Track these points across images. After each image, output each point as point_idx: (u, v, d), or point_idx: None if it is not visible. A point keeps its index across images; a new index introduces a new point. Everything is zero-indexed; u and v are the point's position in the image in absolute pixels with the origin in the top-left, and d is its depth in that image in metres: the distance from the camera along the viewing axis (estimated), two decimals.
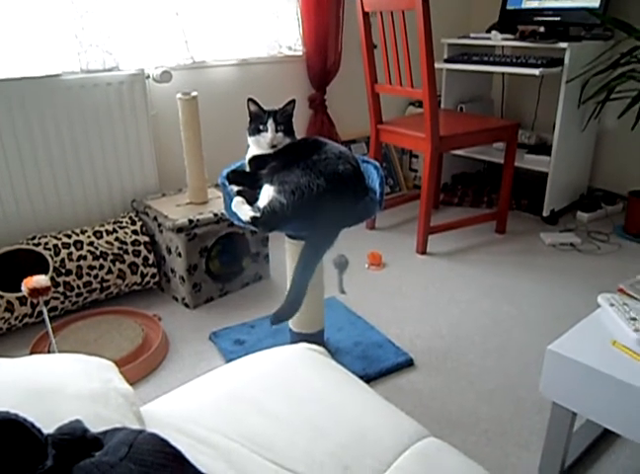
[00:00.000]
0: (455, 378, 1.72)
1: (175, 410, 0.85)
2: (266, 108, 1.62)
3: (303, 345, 1.02)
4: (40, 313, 1.97)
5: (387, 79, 2.51)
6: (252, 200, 1.51)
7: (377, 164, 1.70)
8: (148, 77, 2.25)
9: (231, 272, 2.23)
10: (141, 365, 1.75)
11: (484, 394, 1.65)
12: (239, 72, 2.61)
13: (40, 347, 1.83)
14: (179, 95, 2.07)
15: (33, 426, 0.56)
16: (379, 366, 1.75)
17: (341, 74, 2.91)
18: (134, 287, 2.15)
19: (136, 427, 0.74)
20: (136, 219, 2.17)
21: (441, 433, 1.50)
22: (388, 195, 3.25)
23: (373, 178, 1.67)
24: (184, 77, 2.40)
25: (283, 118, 1.60)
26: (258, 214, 1.43)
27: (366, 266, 2.45)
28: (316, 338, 1.80)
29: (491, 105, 3.39)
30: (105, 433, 0.62)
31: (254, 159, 1.63)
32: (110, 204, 2.29)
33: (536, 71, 2.54)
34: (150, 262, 2.13)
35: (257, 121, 1.60)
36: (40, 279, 1.63)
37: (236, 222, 1.53)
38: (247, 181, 1.59)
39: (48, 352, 1.76)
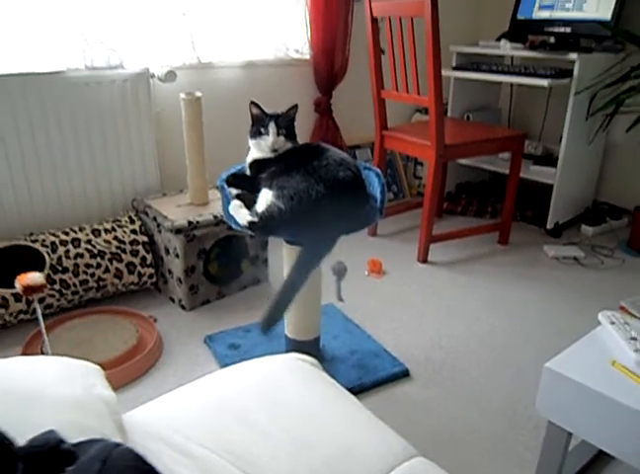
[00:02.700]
0: (451, 391, 1.70)
1: (157, 418, 0.83)
2: (268, 111, 1.61)
3: (294, 355, 0.99)
4: (35, 310, 1.95)
5: (394, 85, 2.49)
6: (250, 205, 1.49)
7: (379, 171, 1.67)
8: (153, 76, 2.23)
9: (230, 274, 2.21)
10: (134, 367, 1.74)
11: (479, 408, 1.62)
12: (245, 74, 2.59)
13: (33, 345, 1.82)
14: (182, 95, 2.06)
15: (3, 437, 0.54)
16: (375, 376, 1.72)
17: (347, 79, 2.90)
18: (131, 287, 2.14)
19: (116, 436, 0.72)
20: (136, 219, 2.16)
21: (434, 447, 1.48)
22: (391, 202, 3.23)
23: (375, 185, 1.65)
24: (189, 77, 2.39)
25: (286, 123, 1.58)
26: (255, 219, 1.41)
27: (366, 273, 2.43)
28: (311, 345, 1.78)
29: (498, 114, 3.37)
30: (80, 444, 0.60)
31: (254, 162, 1.61)
32: (110, 203, 2.27)
33: (545, 82, 2.51)
34: (148, 262, 2.12)
35: (259, 125, 1.58)
36: (34, 277, 1.61)
37: (234, 226, 1.51)
38: (246, 184, 1.57)
39: (41, 350, 1.74)
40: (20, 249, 1.95)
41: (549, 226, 2.80)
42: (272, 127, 1.56)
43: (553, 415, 1.21)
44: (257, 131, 1.58)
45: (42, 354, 1.72)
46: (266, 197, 1.43)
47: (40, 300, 1.95)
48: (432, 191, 2.41)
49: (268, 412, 0.80)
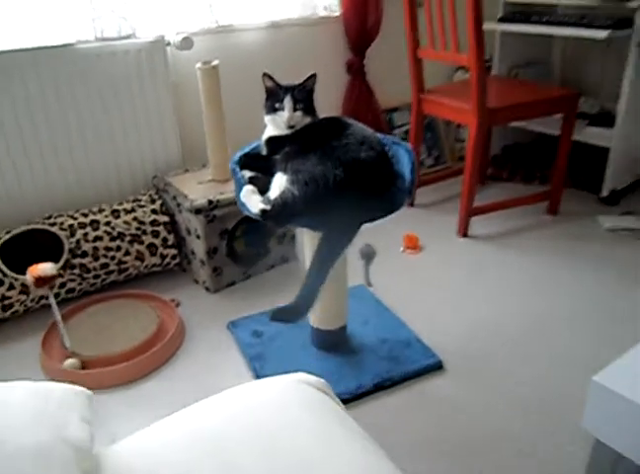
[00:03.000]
0: (488, 388, 1.56)
1: (133, 454, 0.74)
2: (283, 83, 1.46)
3: (300, 376, 0.87)
4: (57, 295, 1.91)
5: (431, 43, 2.27)
6: (265, 189, 1.36)
7: (409, 147, 1.50)
8: (169, 44, 2.09)
9: (256, 253, 2.11)
10: (153, 357, 1.67)
11: (517, 410, 1.48)
12: (268, 36, 2.41)
13: (52, 334, 1.77)
14: (198, 64, 1.91)
15: None
16: (405, 369, 1.60)
17: (382, 36, 2.67)
18: (154, 269, 2.07)
19: None
20: (156, 197, 2.06)
21: (464, 451, 1.36)
22: (432, 168, 3.03)
23: (404, 163, 1.48)
24: (207, 43, 2.23)
25: (303, 95, 1.43)
26: (268, 207, 1.28)
27: (401, 249, 2.28)
28: (337, 335, 1.67)
29: (549, 70, 3.06)
30: None
31: (270, 140, 1.48)
32: (130, 181, 2.19)
33: (603, 33, 2.23)
34: (170, 243, 2.03)
35: (273, 99, 1.44)
36: (45, 268, 1.55)
37: (246, 213, 1.38)
38: (261, 165, 1.44)
39: (62, 342, 1.69)
40: (38, 233, 1.90)
41: (604, 194, 2.54)
42: (287, 102, 1.41)
43: (601, 433, 1.06)
44: (271, 106, 1.44)
45: (62, 344, 1.68)
46: (279, 183, 1.30)
47: (62, 285, 1.90)
48: (472, 161, 2.21)
49: (255, 450, 0.69)
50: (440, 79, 2.94)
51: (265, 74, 1.44)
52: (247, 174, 1.43)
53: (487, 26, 2.02)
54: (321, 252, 1.31)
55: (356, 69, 2.71)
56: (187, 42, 2.05)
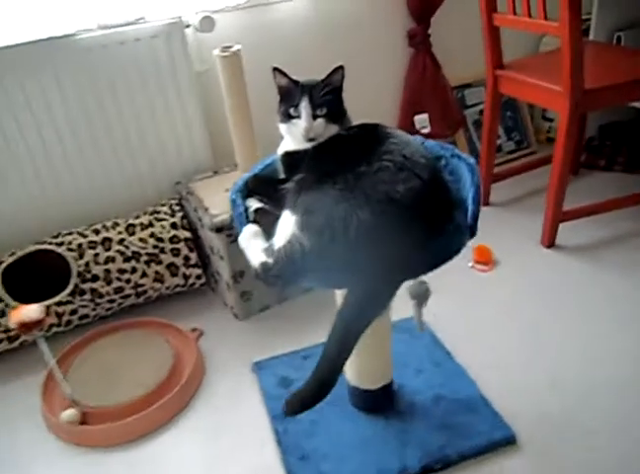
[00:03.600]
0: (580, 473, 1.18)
1: None
2: (301, 80, 1.10)
3: None
4: (70, 322, 1.70)
5: (510, 7, 1.80)
6: (273, 229, 1.02)
7: (472, 162, 1.11)
8: (188, 26, 1.77)
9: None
10: (162, 410, 1.42)
11: None
12: (311, 8, 2.02)
13: (52, 379, 1.54)
14: (216, 51, 1.58)
15: None
16: (465, 445, 1.24)
17: (449, 1, 2.20)
18: (178, 289, 1.81)
19: None
20: (177, 209, 1.79)
21: None
22: (512, 153, 2.55)
23: (466, 183, 1.10)
24: (235, 21, 1.88)
25: (326, 96, 1.07)
26: (270, 260, 0.95)
27: (470, 264, 1.88)
28: (380, 396, 1.33)
29: None
30: None
31: (286, 157, 1.13)
32: (153, 187, 1.91)
33: None
34: (192, 262, 1.76)
35: (288, 102, 1.09)
36: (29, 311, 1.31)
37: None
38: (272, 192, 1.10)
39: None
40: (45, 253, 1.68)
41: None
42: (304, 107, 1.06)
43: None
44: (286, 112, 1.09)
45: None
46: (286, 226, 0.96)
47: (73, 311, 1.69)
48: (562, 156, 1.75)
49: None
50: (521, 51, 2.44)
51: (275, 69, 1.09)
52: (254, 205, 1.10)
53: None
54: (343, 317, 0.96)
55: (419, 40, 2.27)
56: (208, 23, 1.72)
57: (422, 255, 0.94)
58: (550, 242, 1.91)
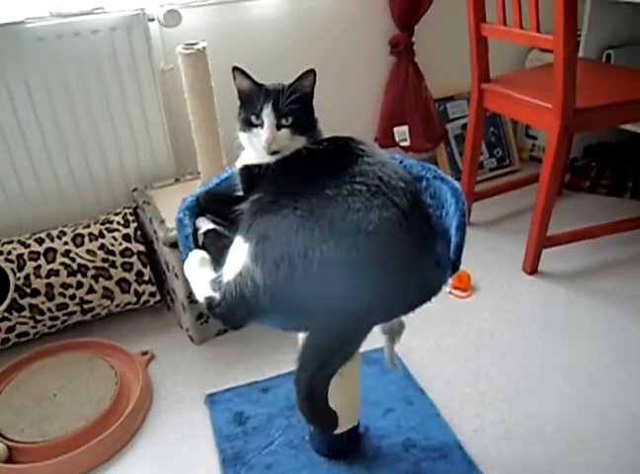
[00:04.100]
0: None
1: None
2: (265, 84, 0.96)
3: None
4: (7, 340, 1.53)
5: (500, 17, 1.69)
6: (223, 257, 0.88)
7: (457, 185, 0.98)
8: (152, 20, 1.62)
9: None
10: (102, 446, 1.26)
11: None
12: (286, 8, 1.89)
13: None
14: (179, 48, 1.43)
15: None
16: None
17: (435, 9, 2.09)
18: (129, 307, 1.65)
19: None
20: (131, 219, 1.63)
21: None
22: (494, 171, 2.45)
23: (449, 209, 0.97)
24: (204, 17, 1.74)
25: (293, 104, 0.93)
26: (217, 296, 0.81)
27: (447, 289, 1.76)
28: (345, 440, 1.19)
29: None
30: None
31: (245, 171, 0.99)
32: (108, 193, 1.75)
33: None
34: (146, 278, 1.60)
35: (249, 109, 0.95)
36: None
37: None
38: (226, 212, 0.96)
39: None
40: None
41: None
42: (267, 115, 0.91)
43: None
44: (246, 120, 0.95)
45: None
46: (237, 255, 0.82)
47: (10, 329, 1.52)
48: (549, 179, 1.64)
49: None
50: (507, 67, 2.33)
51: (235, 68, 0.95)
52: (204, 226, 0.96)
53: None
54: (304, 367, 0.82)
55: (402, 49, 2.15)
56: (173, 17, 1.57)
57: (397, 295, 0.81)
58: (533, 269, 1.80)
